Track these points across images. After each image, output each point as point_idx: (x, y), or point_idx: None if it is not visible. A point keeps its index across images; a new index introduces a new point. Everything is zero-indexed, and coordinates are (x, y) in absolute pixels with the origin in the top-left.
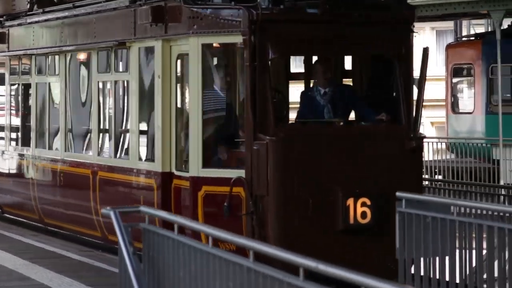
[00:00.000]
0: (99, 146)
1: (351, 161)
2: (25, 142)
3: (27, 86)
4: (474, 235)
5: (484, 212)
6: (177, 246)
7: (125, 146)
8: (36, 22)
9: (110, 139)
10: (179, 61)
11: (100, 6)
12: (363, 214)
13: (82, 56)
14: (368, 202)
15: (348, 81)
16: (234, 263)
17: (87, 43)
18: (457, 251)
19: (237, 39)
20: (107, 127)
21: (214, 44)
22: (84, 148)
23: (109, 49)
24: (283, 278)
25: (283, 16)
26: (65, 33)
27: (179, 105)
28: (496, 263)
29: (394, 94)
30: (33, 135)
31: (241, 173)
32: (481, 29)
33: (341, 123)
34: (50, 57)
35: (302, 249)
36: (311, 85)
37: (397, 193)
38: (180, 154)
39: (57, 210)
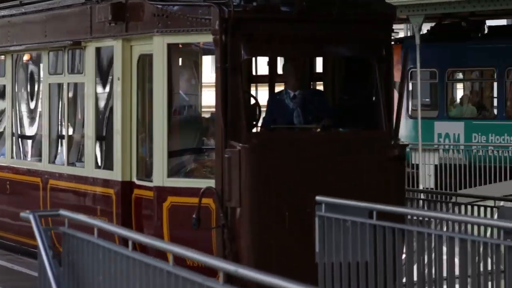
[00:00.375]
0: (50, 152)
1: (329, 170)
2: None
3: None
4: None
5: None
6: (97, 249)
7: (80, 153)
8: None
9: (62, 145)
10: (140, 62)
11: (52, 3)
12: None
13: (31, 56)
14: None
15: (318, 85)
16: (154, 267)
17: (37, 42)
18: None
19: (207, 38)
20: (59, 132)
21: (181, 44)
22: (34, 154)
23: (62, 49)
24: (203, 282)
25: (257, 14)
26: (12, 32)
27: (141, 110)
28: (415, 267)
29: (374, 98)
30: None
31: (210, 183)
32: (400, 34)
33: (318, 129)
34: None
35: (277, 264)
36: (275, 88)
37: (317, 197)
38: (141, 162)
39: (2, 220)
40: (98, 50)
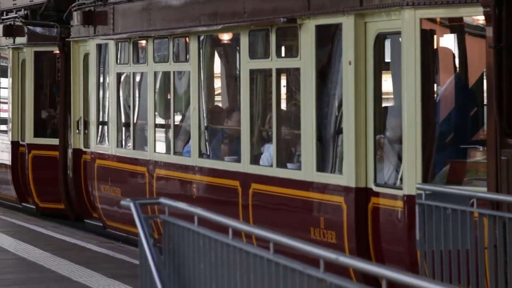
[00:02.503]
0: (252, 151)
1: None
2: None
3: (138, 75)
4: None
5: None
6: (197, 237)
7: (295, 153)
8: None
9: (266, 142)
10: (377, 43)
11: None
12: None
13: (225, 38)
14: None
15: None
16: (255, 255)
17: (233, 21)
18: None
19: (473, 11)
20: (263, 127)
21: (438, 20)
22: (229, 153)
23: (267, 29)
24: (303, 270)
25: None
26: (197, 10)
27: (378, 101)
28: None
29: None
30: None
31: (479, 191)
32: None
33: None
34: (176, 40)
35: None
36: None
37: (417, 185)
38: (381, 164)
39: None
40: (319, 28)
